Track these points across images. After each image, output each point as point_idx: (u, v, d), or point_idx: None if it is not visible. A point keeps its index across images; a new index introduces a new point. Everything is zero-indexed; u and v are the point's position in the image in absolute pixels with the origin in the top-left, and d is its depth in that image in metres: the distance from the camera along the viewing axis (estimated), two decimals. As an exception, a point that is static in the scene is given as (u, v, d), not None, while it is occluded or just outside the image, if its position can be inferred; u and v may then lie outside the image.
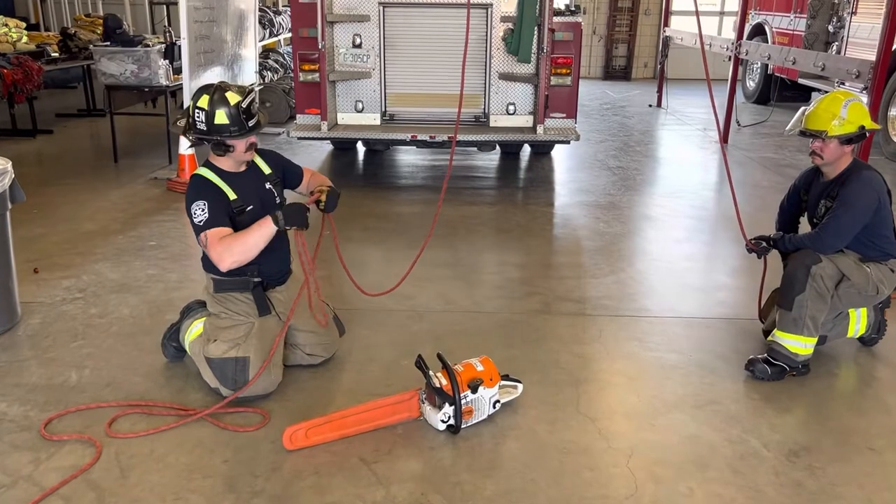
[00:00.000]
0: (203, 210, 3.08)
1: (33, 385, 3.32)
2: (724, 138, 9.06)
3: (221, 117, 3.08)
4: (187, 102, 3.84)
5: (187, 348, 3.45)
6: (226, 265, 3.09)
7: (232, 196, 3.19)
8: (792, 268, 3.43)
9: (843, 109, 3.38)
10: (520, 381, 3.26)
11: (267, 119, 3.32)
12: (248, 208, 3.23)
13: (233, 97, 3.11)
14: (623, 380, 3.48)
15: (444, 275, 4.72)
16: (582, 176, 7.48)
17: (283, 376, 3.31)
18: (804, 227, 3.86)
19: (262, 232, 3.10)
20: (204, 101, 3.10)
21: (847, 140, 3.41)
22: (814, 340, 3.45)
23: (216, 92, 3.12)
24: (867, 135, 3.45)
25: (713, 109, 4.26)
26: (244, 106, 3.12)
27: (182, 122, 3.22)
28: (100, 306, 4.16)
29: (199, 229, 3.10)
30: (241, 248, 3.08)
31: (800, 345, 3.43)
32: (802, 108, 3.56)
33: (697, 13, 4.41)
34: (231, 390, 3.18)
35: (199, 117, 3.11)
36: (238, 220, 3.18)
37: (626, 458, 2.87)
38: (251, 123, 3.16)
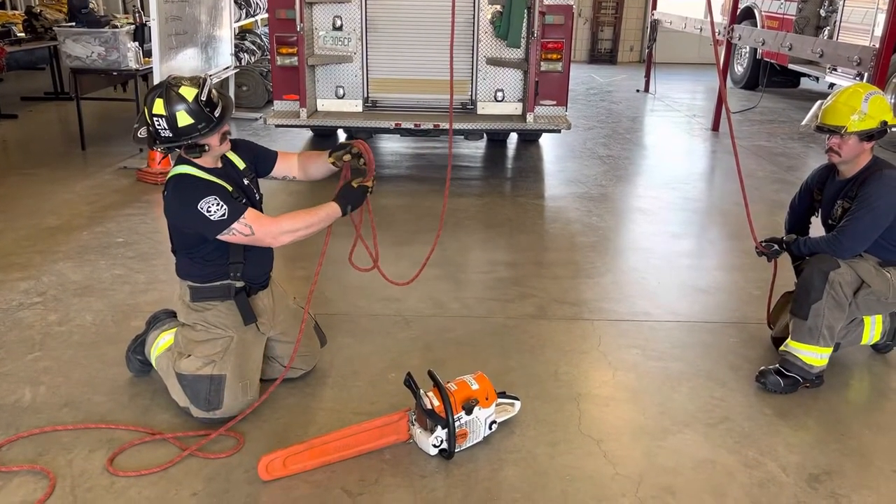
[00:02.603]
0: (218, 204, 2.74)
1: (-18, 405, 3.02)
2: (716, 126, 8.84)
3: (185, 118, 2.72)
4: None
5: (153, 362, 3.15)
6: (282, 243, 2.88)
7: (229, 188, 2.87)
8: (808, 274, 3.20)
9: (863, 103, 3.14)
10: (517, 398, 3.01)
11: (232, 102, 2.99)
12: (244, 200, 2.92)
13: (188, 91, 2.74)
14: (627, 394, 3.24)
15: (432, 274, 4.43)
16: (571, 165, 7.22)
17: (260, 392, 3.04)
18: (815, 227, 3.64)
19: (329, 215, 2.89)
20: (160, 107, 2.73)
21: (867, 136, 3.16)
22: (829, 351, 3.23)
23: (168, 91, 2.74)
24: (888, 130, 3.21)
25: (728, 114, 4.00)
26: (203, 98, 2.76)
27: (143, 132, 2.87)
28: (60, 312, 3.85)
29: (224, 224, 2.75)
30: (305, 227, 2.85)
31: (815, 356, 3.21)
32: (819, 102, 3.31)
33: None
34: (203, 411, 2.90)
35: (160, 125, 2.74)
36: None
37: (635, 487, 2.63)
38: (218, 114, 2.81)
